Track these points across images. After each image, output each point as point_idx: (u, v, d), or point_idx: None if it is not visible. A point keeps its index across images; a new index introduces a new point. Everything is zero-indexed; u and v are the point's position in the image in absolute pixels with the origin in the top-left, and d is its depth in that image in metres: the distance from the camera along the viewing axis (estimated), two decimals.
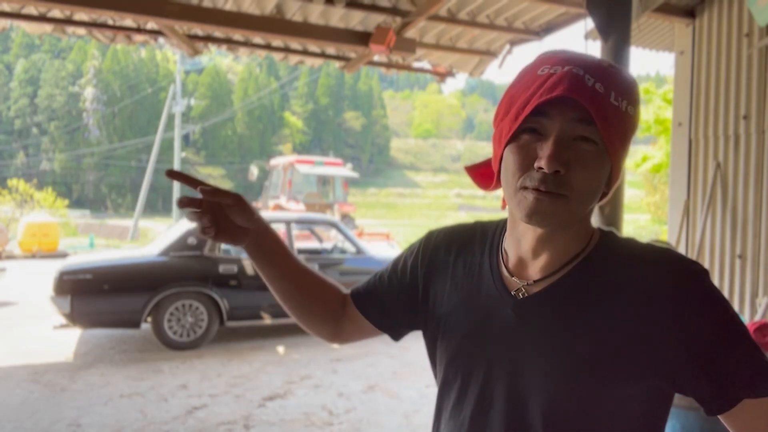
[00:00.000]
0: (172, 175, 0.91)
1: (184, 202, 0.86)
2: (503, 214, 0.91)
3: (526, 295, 0.81)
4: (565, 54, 0.77)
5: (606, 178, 0.77)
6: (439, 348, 0.91)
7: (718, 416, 0.74)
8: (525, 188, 0.74)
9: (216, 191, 0.87)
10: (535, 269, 0.82)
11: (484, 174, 0.89)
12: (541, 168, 0.72)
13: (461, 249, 0.93)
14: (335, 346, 6.11)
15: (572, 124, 0.73)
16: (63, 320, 5.60)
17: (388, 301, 1.00)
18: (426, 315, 0.95)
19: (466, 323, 0.86)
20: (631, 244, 0.82)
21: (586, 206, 0.77)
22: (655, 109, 14.10)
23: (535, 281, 0.81)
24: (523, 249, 0.83)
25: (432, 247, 0.97)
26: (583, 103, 0.70)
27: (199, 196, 0.88)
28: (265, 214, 7.08)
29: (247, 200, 0.93)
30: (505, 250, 0.87)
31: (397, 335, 1.04)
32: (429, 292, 0.94)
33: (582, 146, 0.73)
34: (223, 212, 0.90)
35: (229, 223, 0.91)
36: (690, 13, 4.58)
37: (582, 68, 0.73)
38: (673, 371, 0.73)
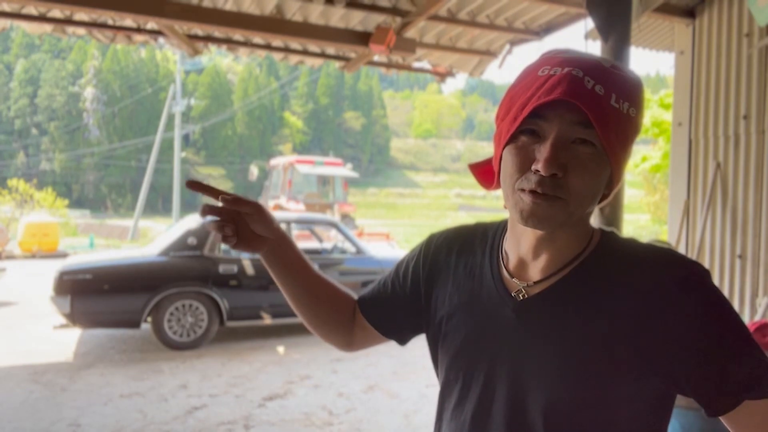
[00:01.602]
0: (193, 186, 0.91)
1: (206, 210, 0.87)
2: (504, 214, 0.91)
3: (526, 296, 0.81)
4: (567, 54, 0.76)
5: (605, 180, 0.76)
6: (440, 349, 0.91)
7: (720, 417, 0.74)
8: (522, 190, 0.74)
9: (237, 200, 0.89)
10: (536, 270, 0.82)
11: (486, 172, 0.89)
12: (538, 171, 0.72)
13: (462, 250, 0.93)
14: None
15: (570, 127, 0.72)
16: (63, 320, 5.60)
17: (392, 307, 1.01)
18: (428, 318, 0.95)
19: (467, 324, 0.86)
20: (632, 244, 0.82)
21: (585, 208, 0.76)
22: (652, 112, 14.12)
23: (535, 282, 0.81)
24: (523, 250, 0.83)
25: (433, 251, 0.97)
26: (581, 107, 0.70)
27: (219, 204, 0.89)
28: None
29: (266, 209, 0.94)
30: (505, 251, 0.87)
31: (402, 340, 1.04)
32: (431, 295, 0.94)
33: (580, 149, 0.73)
34: (243, 220, 0.91)
35: (249, 231, 0.92)
36: (690, 13, 4.58)
37: (582, 70, 0.72)
38: (674, 372, 0.73)
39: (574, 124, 0.72)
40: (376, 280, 1.07)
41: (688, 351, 0.72)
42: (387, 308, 1.01)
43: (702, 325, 0.72)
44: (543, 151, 0.72)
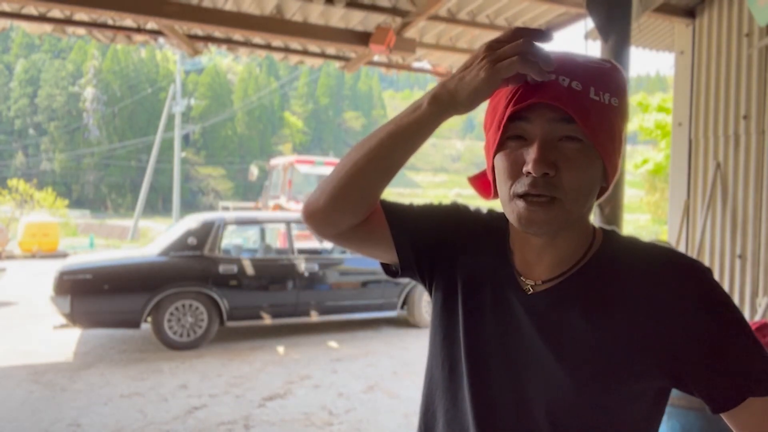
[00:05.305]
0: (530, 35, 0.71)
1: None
2: None
3: (533, 293, 0.82)
4: None
5: (599, 173, 0.76)
6: (448, 328, 0.89)
7: (722, 415, 0.74)
8: (518, 196, 0.74)
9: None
10: (541, 271, 0.82)
11: (484, 183, 0.89)
12: (529, 172, 0.72)
13: (482, 241, 0.91)
14: (335, 345, 6.10)
15: (554, 125, 0.73)
16: (63, 320, 5.60)
17: (417, 230, 0.93)
18: (442, 282, 0.92)
19: (476, 318, 0.86)
20: (634, 244, 0.82)
21: (582, 205, 0.76)
22: (652, 115, 14.15)
23: (542, 282, 0.82)
24: (528, 250, 0.83)
25: (482, 226, 0.92)
26: (559, 105, 0.70)
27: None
28: (265, 215, 7.08)
29: None
30: (511, 249, 0.87)
31: (405, 263, 0.94)
32: (453, 271, 0.91)
33: (568, 146, 0.73)
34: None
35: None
36: (690, 13, 4.57)
37: (554, 71, 0.72)
38: (677, 370, 0.74)
39: (557, 122, 0.73)
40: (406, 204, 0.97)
41: (693, 349, 0.72)
42: (413, 226, 0.93)
43: (706, 324, 0.72)
44: (531, 153, 0.72)
